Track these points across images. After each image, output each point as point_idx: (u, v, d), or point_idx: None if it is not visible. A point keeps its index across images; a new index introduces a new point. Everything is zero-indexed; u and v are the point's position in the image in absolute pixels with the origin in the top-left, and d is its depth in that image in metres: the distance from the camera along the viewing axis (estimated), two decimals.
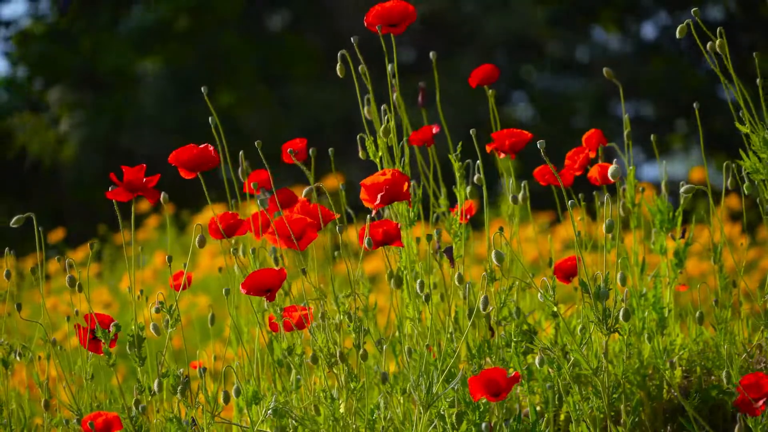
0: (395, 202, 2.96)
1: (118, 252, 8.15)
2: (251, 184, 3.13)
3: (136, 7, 14.03)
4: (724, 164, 3.02)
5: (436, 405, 2.75)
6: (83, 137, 13.65)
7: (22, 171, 13.80)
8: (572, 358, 2.84)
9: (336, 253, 3.16)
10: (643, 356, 3.11)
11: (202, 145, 2.91)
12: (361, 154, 3.08)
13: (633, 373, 3.08)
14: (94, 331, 2.84)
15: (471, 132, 3.00)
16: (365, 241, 2.76)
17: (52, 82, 13.96)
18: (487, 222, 3.12)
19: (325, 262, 4.11)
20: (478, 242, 6.96)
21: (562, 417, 3.11)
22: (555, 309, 2.83)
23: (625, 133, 3.30)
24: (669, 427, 3.10)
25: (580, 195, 3.20)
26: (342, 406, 2.83)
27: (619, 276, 2.71)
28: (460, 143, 3.05)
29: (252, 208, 3.15)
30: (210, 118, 3.09)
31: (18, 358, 3.06)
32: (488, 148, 3.14)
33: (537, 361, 2.77)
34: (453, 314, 3.05)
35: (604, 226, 2.68)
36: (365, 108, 3.10)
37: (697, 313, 3.02)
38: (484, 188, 3.05)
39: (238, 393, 2.77)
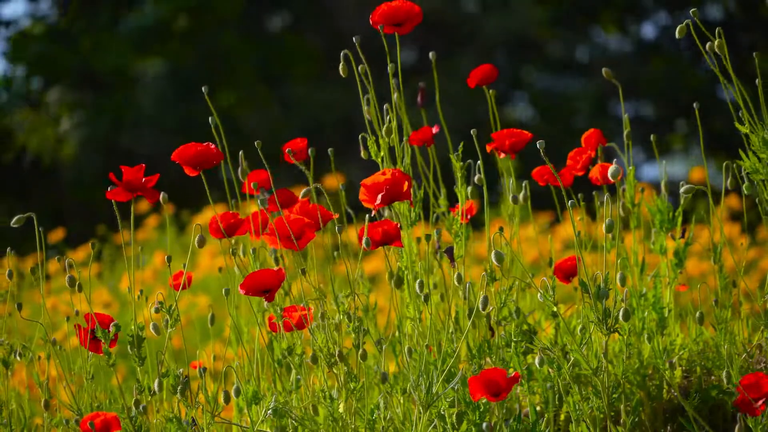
0: (396, 202, 2.96)
1: (118, 252, 8.15)
2: (251, 184, 3.13)
3: (136, 6, 14.04)
4: (724, 164, 3.02)
5: (436, 405, 2.75)
6: (83, 137, 13.65)
7: (22, 170, 13.80)
8: (572, 358, 2.84)
9: (336, 253, 3.16)
10: (643, 356, 3.11)
11: (205, 144, 2.92)
12: (363, 154, 3.08)
13: (633, 373, 3.08)
14: (95, 331, 2.84)
15: (472, 132, 3.00)
16: (364, 240, 2.76)
17: (52, 82, 13.96)
18: (487, 222, 3.12)
19: (325, 262, 4.11)
20: (479, 242, 6.96)
21: (562, 417, 3.11)
22: (555, 309, 2.83)
23: (625, 133, 3.30)
24: (669, 427, 3.10)
25: (579, 195, 3.20)
26: (341, 405, 2.83)
27: (618, 276, 2.71)
28: (462, 143, 3.05)
29: (252, 208, 3.14)
30: (210, 118, 3.09)
31: (18, 358, 3.06)
32: (488, 148, 3.14)
33: (537, 361, 2.77)
34: (453, 314, 3.05)
35: (603, 226, 2.68)
36: (366, 108, 3.10)
37: (697, 313, 3.02)
38: (484, 188, 3.05)
39: (238, 393, 2.77)
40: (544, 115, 14.14)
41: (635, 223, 3.28)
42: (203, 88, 3.08)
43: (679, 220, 3.25)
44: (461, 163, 3.03)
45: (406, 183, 2.78)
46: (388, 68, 3.08)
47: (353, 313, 2.81)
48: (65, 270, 2.88)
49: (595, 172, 3.14)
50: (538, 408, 3.06)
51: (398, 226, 2.81)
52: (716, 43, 2.86)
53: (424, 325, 3.00)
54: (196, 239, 2.87)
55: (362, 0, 13.60)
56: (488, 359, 3.01)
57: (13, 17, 15.25)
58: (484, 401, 2.76)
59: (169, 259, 2.92)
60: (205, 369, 2.84)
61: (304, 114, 13.53)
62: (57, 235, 8.23)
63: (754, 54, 3.00)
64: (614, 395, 2.78)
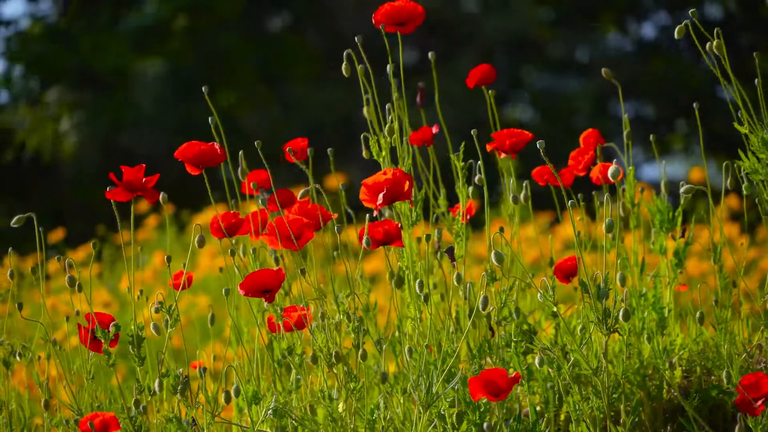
0: (397, 202, 2.96)
1: (118, 252, 8.15)
2: (251, 184, 3.13)
3: (136, 6, 14.04)
4: (724, 164, 3.02)
5: (436, 405, 2.75)
6: (83, 136, 13.65)
7: (22, 170, 13.79)
8: (572, 358, 2.84)
9: (336, 253, 3.16)
10: (643, 356, 3.11)
11: (209, 144, 2.92)
12: (364, 154, 3.09)
13: (633, 373, 3.08)
14: (95, 331, 2.84)
15: (472, 132, 3.00)
16: (364, 240, 2.76)
17: (51, 81, 13.96)
18: (488, 222, 3.12)
19: (326, 262, 4.11)
20: (478, 242, 6.96)
21: (562, 417, 3.11)
22: (555, 309, 2.83)
23: (625, 133, 3.30)
24: (669, 427, 3.10)
25: (579, 195, 3.20)
26: (341, 405, 2.83)
27: (618, 276, 2.71)
28: (463, 143, 3.05)
29: (252, 208, 3.14)
30: (210, 118, 3.09)
31: (18, 358, 3.06)
32: (489, 148, 3.14)
33: (537, 361, 2.77)
34: (454, 314, 3.05)
35: (603, 225, 2.68)
36: (366, 107, 3.10)
37: (697, 313, 3.02)
38: (485, 188, 3.05)
39: (238, 393, 2.77)
40: (544, 115, 14.14)
41: (635, 223, 3.28)
42: (203, 88, 3.08)
43: (679, 220, 3.25)
44: (462, 164, 3.03)
45: (407, 183, 2.78)
46: (388, 68, 3.08)
47: (353, 313, 2.81)
48: (65, 270, 2.88)
49: (595, 172, 3.14)
50: (538, 408, 3.06)
51: (399, 225, 2.81)
52: (715, 43, 2.86)
53: (425, 324, 3.00)
54: (196, 239, 2.87)
55: (362, 0, 13.60)
56: (488, 359, 3.01)
57: (12, 17, 15.25)
58: (484, 401, 2.77)
59: (169, 259, 2.92)
60: (205, 369, 2.84)
61: (304, 114, 13.53)
62: (57, 235, 8.23)
63: (754, 54, 3.00)
64: (614, 395, 2.78)
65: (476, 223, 7.57)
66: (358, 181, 2.84)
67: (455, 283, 2.79)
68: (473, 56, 13.53)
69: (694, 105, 3.18)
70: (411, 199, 2.92)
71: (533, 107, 14.51)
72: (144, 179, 2.87)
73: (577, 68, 14.19)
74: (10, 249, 3.09)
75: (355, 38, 3.02)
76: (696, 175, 7.89)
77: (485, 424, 2.70)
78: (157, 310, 2.84)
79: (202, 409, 2.84)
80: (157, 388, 2.84)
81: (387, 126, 3.05)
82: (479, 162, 3.05)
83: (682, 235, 3.22)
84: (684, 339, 3.20)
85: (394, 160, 3.07)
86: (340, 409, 2.82)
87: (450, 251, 2.99)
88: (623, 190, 3.26)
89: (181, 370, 2.85)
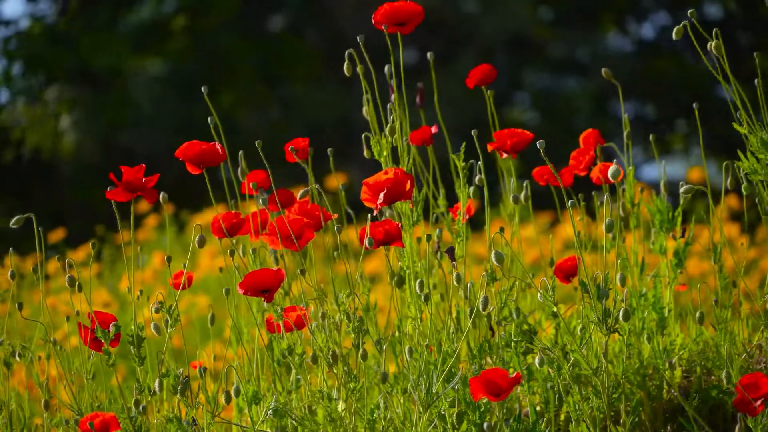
0: (397, 202, 2.96)
1: (118, 252, 8.15)
2: (250, 184, 3.13)
3: (135, 7, 14.03)
4: (724, 164, 3.02)
5: (436, 405, 2.75)
6: (82, 135, 13.65)
7: (22, 168, 13.79)
8: (572, 358, 2.84)
9: (336, 253, 3.16)
10: (643, 356, 3.11)
11: (211, 144, 2.92)
12: (365, 153, 3.09)
13: (633, 373, 3.08)
14: (96, 330, 2.84)
15: (472, 132, 3.00)
16: (366, 240, 2.76)
17: (50, 81, 13.95)
18: (488, 222, 3.12)
19: (326, 262, 4.11)
20: (478, 242, 6.96)
21: (562, 417, 3.11)
22: (555, 309, 2.83)
23: (625, 133, 3.30)
24: (669, 427, 3.10)
25: (579, 195, 3.20)
26: (340, 405, 2.83)
27: (618, 276, 2.71)
28: (464, 144, 3.05)
29: (251, 209, 3.14)
30: (210, 118, 3.09)
31: (18, 358, 3.06)
32: (490, 148, 3.14)
33: (537, 361, 2.77)
34: (454, 314, 3.05)
35: (603, 225, 2.68)
36: (366, 107, 3.10)
37: (697, 313, 3.01)
38: (485, 188, 3.05)
39: (238, 393, 2.77)
40: (544, 115, 14.14)
41: (635, 223, 3.28)
42: (203, 88, 3.08)
43: (679, 220, 3.25)
44: (463, 164, 3.03)
45: (409, 182, 2.78)
46: (386, 68, 3.08)
47: (353, 313, 2.81)
48: (65, 270, 2.88)
49: (596, 172, 3.14)
50: (538, 408, 3.06)
51: (399, 225, 2.81)
52: (714, 43, 2.86)
53: (425, 324, 3.00)
54: (197, 239, 2.87)
55: (362, 0, 13.60)
56: (488, 359, 3.01)
57: (12, 17, 15.25)
58: (484, 401, 2.77)
59: (169, 259, 2.92)
60: (205, 369, 2.84)
61: (304, 114, 13.53)
62: (57, 235, 8.23)
63: (754, 54, 3.00)
64: (614, 395, 2.78)
65: (475, 224, 7.57)
66: (358, 181, 2.84)
67: (455, 283, 2.79)
68: (473, 56, 13.54)
69: (694, 105, 3.18)
70: (412, 199, 2.92)
71: (533, 107, 14.51)
72: (144, 179, 2.87)
73: (577, 68, 14.19)
74: (11, 249, 3.09)
75: (357, 38, 3.02)
76: (695, 175, 7.89)
77: (485, 424, 2.70)
78: (157, 310, 2.84)
79: (203, 409, 2.84)
80: (157, 388, 2.84)
81: (388, 126, 3.05)
82: (479, 162, 3.05)
83: (682, 235, 3.22)
84: (684, 339, 3.20)
85: (395, 159, 3.07)
86: (339, 409, 2.82)
87: (450, 251, 2.99)
88: (623, 190, 3.26)
89: (181, 370, 2.85)
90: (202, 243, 2.87)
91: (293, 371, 3.00)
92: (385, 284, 5.85)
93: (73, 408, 2.92)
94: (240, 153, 3.20)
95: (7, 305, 3.20)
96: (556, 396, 3.01)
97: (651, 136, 3.47)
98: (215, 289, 6.69)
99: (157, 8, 13.94)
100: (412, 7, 3.03)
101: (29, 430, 3.14)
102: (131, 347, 2.84)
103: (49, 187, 13.90)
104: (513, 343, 2.99)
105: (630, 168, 3.25)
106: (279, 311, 2.89)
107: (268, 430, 2.89)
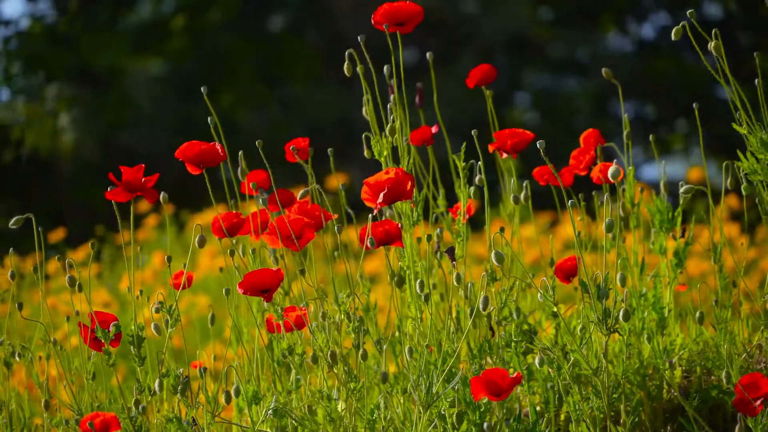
0: (398, 202, 2.96)
1: (118, 252, 8.15)
2: (250, 184, 3.13)
3: (135, 7, 14.04)
4: (724, 164, 3.02)
5: (436, 405, 2.75)
6: (81, 133, 13.65)
7: (22, 168, 13.79)
8: (572, 358, 2.84)
9: (336, 253, 3.16)
10: (643, 356, 3.11)
11: (211, 144, 2.92)
12: (366, 153, 3.09)
13: (633, 373, 3.08)
14: (96, 330, 2.84)
15: (473, 132, 3.01)
16: (368, 240, 2.76)
17: (50, 79, 13.95)
18: (488, 222, 3.12)
19: (326, 262, 4.11)
20: (478, 242, 6.96)
21: (562, 417, 3.11)
22: (555, 309, 2.83)
23: (625, 133, 3.30)
24: (669, 427, 3.10)
25: (580, 195, 3.20)
26: (340, 405, 2.83)
27: (619, 276, 2.71)
28: (464, 144, 3.05)
29: (251, 208, 3.15)
30: (209, 118, 3.09)
31: (18, 358, 3.06)
32: (491, 148, 3.14)
33: (537, 361, 2.77)
34: (454, 314, 3.05)
35: (603, 225, 2.69)
36: (365, 107, 3.10)
37: (697, 313, 3.01)
38: (485, 188, 3.05)
39: (238, 393, 2.77)
40: (544, 115, 14.14)
41: (635, 223, 3.28)
42: (202, 89, 3.08)
43: (679, 220, 3.25)
44: (464, 164, 3.03)
45: (409, 182, 2.78)
46: (385, 69, 3.08)
47: (353, 313, 2.81)
48: (65, 270, 2.88)
49: (596, 172, 3.14)
50: (538, 408, 3.06)
51: (399, 225, 2.81)
52: (713, 44, 2.86)
53: (425, 324, 3.00)
54: (197, 239, 2.87)
55: (361, 0, 13.60)
56: (488, 359, 3.01)
57: (11, 17, 15.25)
58: (484, 401, 2.77)
59: (169, 259, 2.92)
60: (205, 369, 2.84)
61: (304, 114, 13.53)
62: (57, 235, 8.23)
63: (754, 54, 3.00)
64: (614, 395, 2.78)
65: (475, 224, 7.57)
66: (358, 181, 2.84)
67: (455, 283, 2.79)
68: (473, 56, 13.54)
69: (694, 105, 3.18)
70: (412, 199, 2.92)
71: (533, 107, 14.51)
72: (143, 179, 2.87)
73: (577, 68, 14.19)
74: (11, 250, 3.09)
75: (358, 38, 3.02)
76: (695, 175, 7.89)
77: (485, 424, 2.71)
78: (157, 310, 2.84)
79: (203, 409, 2.84)
80: (157, 388, 2.84)
81: (388, 125, 3.05)
82: (480, 162, 3.05)
83: (682, 235, 3.22)
84: (684, 339, 3.20)
85: (395, 159, 3.07)
86: (339, 409, 2.82)
87: (450, 251, 2.99)
88: (623, 190, 3.26)
89: (181, 370, 2.86)
90: (202, 243, 2.87)
91: (293, 371, 3.00)
92: (385, 284, 5.85)
93: (73, 408, 2.92)
94: (240, 153, 3.20)
95: (7, 305, 3.20)
96: (556, 396, 3.01)
97: (651, 136, 3.47)
98: (215, 289, 6.69)
99: (156, 8, 13.95)
100: (411, 7, 3.03)
101: (29, 430, 3.14)
102: (131, 347, 2.85)
103: (49, 187, 13.90)
104: (513, 343, 2.99)
105: (630, 168, 3.25)
106: (279, 311, 2.89)
107: (268, 430, 2.89)
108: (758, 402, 2.60)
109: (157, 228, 8.46)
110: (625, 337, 2.93)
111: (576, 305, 3.23)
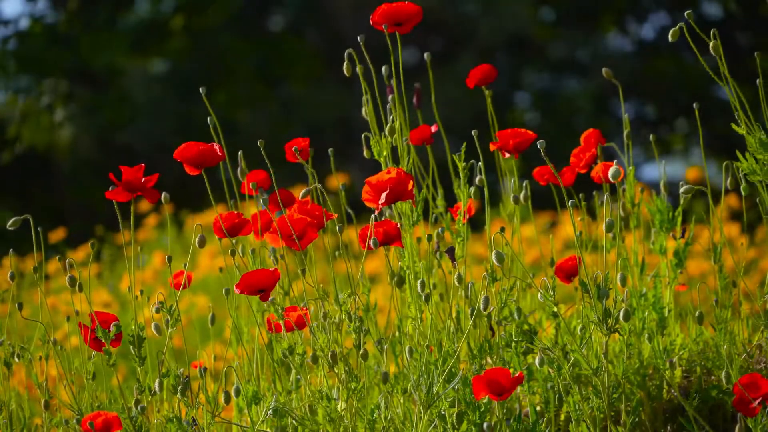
0: (398, 202, 2.96)
1: (118, 252, 8.15)
2: (250, 185, 3.13)
3: (135, 7, 14.04)
4: (724, 164, 3.02)
5: (436, 405, 2.75)
6: (79, 131, 13.65)
7: (22, 168, 13.79)
8: (572, 358, 2.84)
9: (337, 253, 3.16)
10: (643, 356, 3.11)
11: (209, 144, 2.92)
12: (365, 153, 3.09)
13: (633, 373, 3.08)
14: (97, 330, 2.84)
15: (473, 132, 3.01)
16: (371, 240, 2.76)
17: (47, 75, 13.95)
18: (488, 222, 3.12)
19: (326, 262, 4.11)
20: (478, 242, 6.96)
21: (562, 417, 3.11)
22: (555, 309, 2.83)
23: (625, 133, 3.30)
24: (669, 427, 3.10)
25: (580, 195, 3.20)
26: (341, 405, 2.83)
27: (619, 276, 2.71)
28: (465, 144, 3.05)
29: (251, 209, 3.15)
30: (208, 118, 3.09)
31: (17, 359, 3.06)
32: (492, 148, 3.14)
33: (537, 361, 2.77)
34: (454, 314, 3.05)
35: (603, 225, 2.69)
36: (365, 107, 3.10)
37: (697, 313, 3.02)
38: (485, 189, 3.05)
39: (238, 393, 2.77)
40: (545, 115, 14.14)
41: (635, 223, 3.28)
42: (201, 89, 3.08)
43: (679, 219, 3.25)
44: (464, 164, 3.03)
45: (411, 182, 2.79)
46: (383, 69, 3.08)
47: (354, 313, 2.81)
48: (65, 270, 2.88)
49: (596, 171, 3.14)
50: (538, 408, 3.06)
51: (398, 226, 2.81)
52: (712, 44, 2.86)
53: (425, 324, 3.00)
54: (197, 239, 2.87)
55: (361, 0, 13.60)
56: (489, 359, 3.01)
57: (11, 17, 15.25)
58: (484, 401, 2.77)
59: (170, 259, 2.92)
60: (205, 369, 2.84)
61: (303, 114, 13.53)
62: (57, 234, 8.23)
63: (755, 54, 3.00)
64: (614, 395, 2.78)
65: (475, 224, 7.57)
66: (358, 181, 2.84)
67: (456, 283, 2.79)
68: (473, 56, 13.54)
69: (694, 105, 3.18)
70: (413, 199, 2.92)
71: (533, 107, 14.52)
72: (144, 179, 2.87)
73: (578, 68, 14.19)
74: (10, 250, 3.09)
75: (358, 38, 3.02)
76: (693, 175, 7.89)
77: (485, 424, 2.71)
78: (157, 310, 2.85)
79: (203, 409, 2.84)
80: (157, 388, 2.84)
81: (388, 125, 3.05)
82: (480, 163, 3.05)
83: (682, 235, 3.22)
84: (684, 339, 3.20)
85: (395, 159, 3.07)
86: (340, 409, 2.82)
87: (450, 251, 2.99)
88: (623, 190, 3.26)
89: (181, 370, 2.86)
90: (202, 243, 2.87)
91: (293, 371, 3.00)
92: (385, 284, 5.85)
93: (73, 408, 2.92)
94: (239, 153, 3.20)
95: (7, 305, 3.20)
96: (556, 396, 3.02)
97: (651, 136, 3.47)
98: (215, 289, 6.69)
99: (155, 7, 13.95)
100: (410, 8, 3.03)
101: (29, 430, 3.14)
102: (132, 347, 2.85)
103: (49, 186, 13.90)
104: (513, 343, 2.99)
105: (630, 168, 3.25)
106: (279, 311, 2.89)
107: (268, 430, 2.89)
108: (758, 402, 2.60)
109: (157, 228, 8.46)
110: (626, 337, 2.93)
111: (576, 305, 3.23)
